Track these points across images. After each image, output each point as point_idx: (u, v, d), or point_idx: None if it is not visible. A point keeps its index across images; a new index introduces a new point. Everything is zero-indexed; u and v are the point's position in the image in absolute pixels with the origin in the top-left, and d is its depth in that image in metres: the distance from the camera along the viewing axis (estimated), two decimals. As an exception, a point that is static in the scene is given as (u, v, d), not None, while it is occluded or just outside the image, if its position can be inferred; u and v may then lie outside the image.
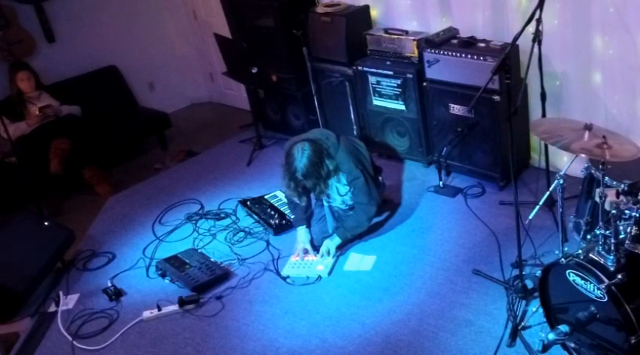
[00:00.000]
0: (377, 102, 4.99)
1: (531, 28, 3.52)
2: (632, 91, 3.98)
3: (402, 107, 4.85)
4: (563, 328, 2.87)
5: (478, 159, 4.56)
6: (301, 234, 4.15)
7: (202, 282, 3.95)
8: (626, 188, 2.76)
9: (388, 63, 4.84)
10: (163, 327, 3.74)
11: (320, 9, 5.13)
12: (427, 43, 4.52)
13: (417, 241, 4.15)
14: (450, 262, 3.89)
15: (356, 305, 3.68)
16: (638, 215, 2.79)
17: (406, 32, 4.79)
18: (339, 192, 4.11)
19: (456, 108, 4.50)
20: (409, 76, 4.69)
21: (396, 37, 4.79)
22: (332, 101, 5.37)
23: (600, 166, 2.79)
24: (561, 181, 3.22)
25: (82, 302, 4.07)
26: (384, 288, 3.77)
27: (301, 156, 3.83)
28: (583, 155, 2.86)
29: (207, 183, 5.29)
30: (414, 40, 4.69)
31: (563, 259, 2.87)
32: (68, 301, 4.07)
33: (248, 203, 4.75)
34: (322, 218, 4.25)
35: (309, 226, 4.20)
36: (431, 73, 4.55)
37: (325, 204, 4.18)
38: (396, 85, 4.79)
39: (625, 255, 2.80)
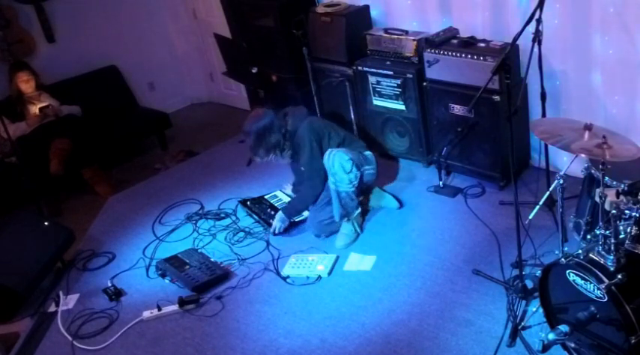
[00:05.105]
0: (377, 102, 4.99)
1: (531, 28, 3.52)
2: (631, 91, 3.98)
3: (402, 107, 4.85)
4: (563, 328, 2.87)
5: (478, 159, 4.56)
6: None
7: (202, 282, 3.95)
8: (626, 188, 2.76)
9: (388, 63, 4.84)
10: (163, 327, 3.74)
11: (320, 9, 5.13)
12: (427, 43, 4.52)
13: (417, 241, 4.15)
14: (450, 262, 3.89)
15: (356, 305, 3.68)
16: (638, 215, 2.78)
17: (406, 32, 4.79)
18: (345, 170, 4.09)
19: (456, 108, 4.50)
20: (409, 76, 4.69)
21: (396, 37, 4.79)
22: (332, 101, 5.37)
23: (600, 166, 2.78)
24: (561, 181, 3.22)
25: (82, 302, 4.07)
26: (384, 288, 3.77)
27: (253, 121, 4.21)
28: (583, 155, 2.86)
29: (207, 183, 5.29)
30: (414, 40, 4.69)
31: (563, 259, 2.87)
32: (68, 301, 4.07)
33: (248, 203, 4.75)
34: (321, 206, 4.28)
35: None
36: (431, 73, 4.55)
37: (332, 186, 4.16)
38: (396, 85, 4.79)
39: (625, 254, 2.80)
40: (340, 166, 4.07)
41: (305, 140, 4.22)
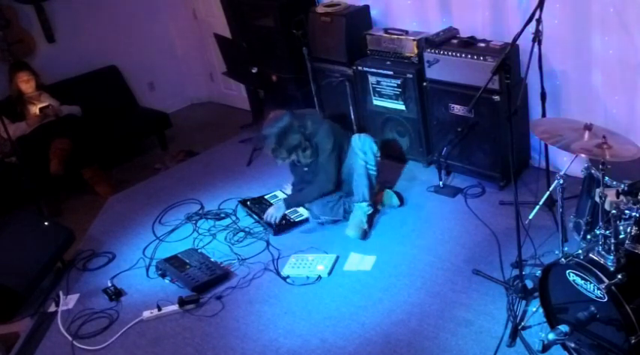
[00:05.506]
0: (377, 102, 4.99)
1: (531, 28, 3.52)
2: (631, 91, 3.98)
3: (402, 107, 4.85)
4: (563, 328, 2.87)
5: (478, 159, 4.56)
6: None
7: (202, 282, 3.95)
8: (626, 188, 2.76)
9: (388, 63, 4.84)
10: (163, 327, 3.75)
11: (320, 9, 5.13)
12: (427, 43, 4.52)
13: (417, 241, 4.15)
14: (450, 262, 3.89)
15: (356, 305, 3.68)
16: (638, 215, 2.78)
17: (406, 32, 4.79)
18: (373, 151, 4.27)
19: (456, 108, 4.50)
20: (409, 76, 4.69)
21: (396, 37, 4.79)
22: (332, 101, 5.37)
23: (600, 166, 2.79)
24: (561, 181, 3.22)
25: (82, 302, 4.07)
26: (384, 288, 3.77)
27: (272, 123, 4.19)
28: (583, 155, 2.86)
29: (207, 183, 5.29)
30: (414, 40, 4.69)
31: (563, 259, 2.87)
32: (68, 301, 4.07)
33: (248, 203, 4.75)
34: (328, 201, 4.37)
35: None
36: (431, 73, 4.55)
37: (362, 163, 4.24)
38: (396, 85, 4.79)
39: (625, 254, 2.80)
40: (370, 147, 4.24)
41: (327, 142, 4.28)
